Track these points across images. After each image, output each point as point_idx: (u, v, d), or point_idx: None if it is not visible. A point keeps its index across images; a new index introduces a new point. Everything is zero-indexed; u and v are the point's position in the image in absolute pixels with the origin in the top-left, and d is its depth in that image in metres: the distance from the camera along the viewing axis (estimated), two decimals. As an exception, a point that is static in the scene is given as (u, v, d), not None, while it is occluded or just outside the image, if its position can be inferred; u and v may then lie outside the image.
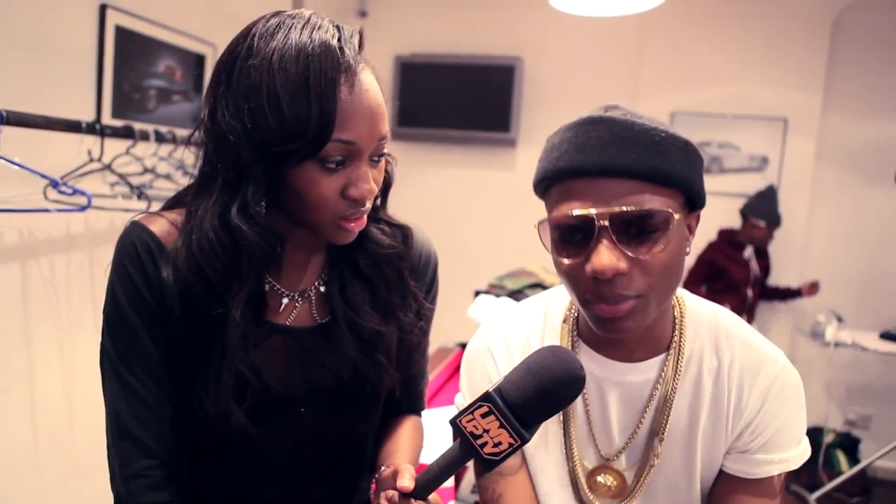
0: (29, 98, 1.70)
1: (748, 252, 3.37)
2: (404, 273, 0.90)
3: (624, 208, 0.68)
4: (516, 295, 2.21)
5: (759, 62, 3.43)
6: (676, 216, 0.70)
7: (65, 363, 1.95)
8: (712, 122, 3.49)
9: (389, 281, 0.88)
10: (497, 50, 3.72)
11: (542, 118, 3.72)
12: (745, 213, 3.33)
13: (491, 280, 2.34)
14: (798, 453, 0.80)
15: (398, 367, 0.91)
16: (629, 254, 0.69)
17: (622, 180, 0.69)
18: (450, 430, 1.46)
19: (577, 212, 0.70)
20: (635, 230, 0.69)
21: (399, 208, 0.93)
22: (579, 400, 0.83)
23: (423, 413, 1.05)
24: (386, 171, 0.84)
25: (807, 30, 3.37)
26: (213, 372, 0.77)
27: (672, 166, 0.70)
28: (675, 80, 3.53)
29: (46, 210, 1.69)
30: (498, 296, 2.21)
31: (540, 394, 0.65)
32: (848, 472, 2.99)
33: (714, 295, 3.28)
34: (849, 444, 3.37)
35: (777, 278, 3.52)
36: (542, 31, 3.66)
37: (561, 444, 0.85)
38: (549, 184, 0.75)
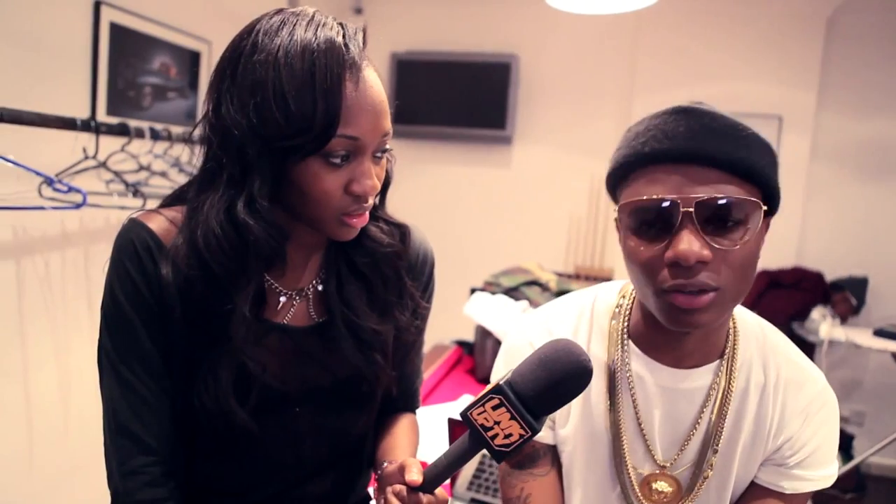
0: (23, 95, 1.70)
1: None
2: (402, 272, 0.90)
3: (712, 195, 0.67)
4: (512, 292, 2.21)
5: (753, 60, 3.44)
6: (764, 208, 0.71)
7: (60, 361, 1.95)
8: (708, 119, 3.48)
9: (387, 279, 0.88)
10: (493, 47, 3.72)
11: (539, 116, 3.72)
12: (843, 286, 3.38)
13: (487, 277, 2.34)
14: (830, 473, 0.81)
15: (394, 365, 0.91)
16: (712, 244, 0.68)
17: (709, 169, 0.68)
18: (445, 428, 1.46)
19: (661, 196, 0.69)
20: (718, 220, 0.68)
21: (395, 205, 0.93)
22: (628, 404, 0.82)
23: (419, 411, 1.06)
24: (386, 169, 0.85)
25: (801, 28, 3.38)
26: (215, 368, 0.77)
27: (757, 163, 0.70)
28: (670, 77, 3.53)
29: (41, 208, 1.69)
30: (494, 293, 2.21)
31: (550, 385, 0.66)
32: (842, 468, 3.01)
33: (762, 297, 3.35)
34: (843, 441, 3.39)
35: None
36: (539, 29, 3.66)
37: (610, 451, 0.83)
38: (628, 171, 0.74)
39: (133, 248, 0.77)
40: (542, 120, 3.72)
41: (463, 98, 3.73)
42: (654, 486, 0.83)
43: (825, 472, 0.80)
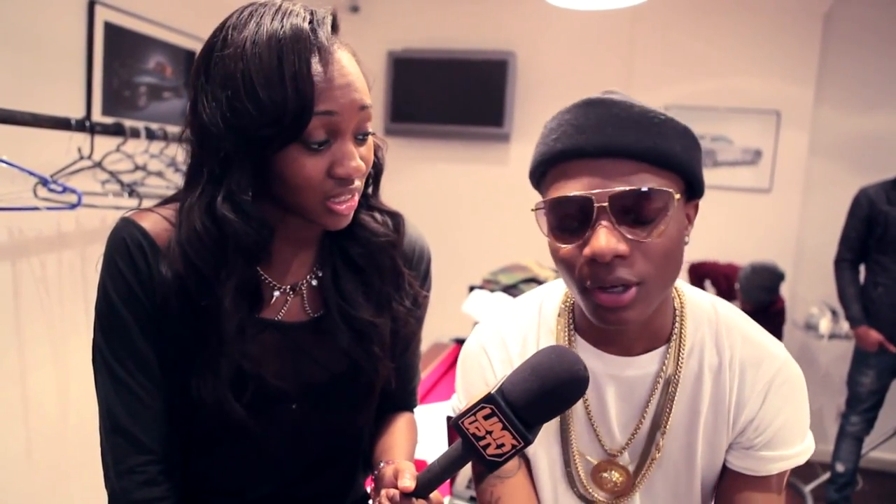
0: (18, 95, 1.69)
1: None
2: (397, 261, 0.89)
3: (623, 188, 0.66)
4: (511, 290, 2.21)
5: (751, 55, 3.43)
6: (677, 196, 0.69)
7: (57, 362, 1.94)
8: (705, 115, 3.49)
9: (382, 269, 0.87)
10: (490, 44, 3.71)
11: (536, 112, 3.71)
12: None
13: (485, 275, 2.33)
14: (803, 449, 0.79)
15: (393, 359, 0.90)
16: (629, 236, 0.67)
17: (621, 160, 0.67)
18: (444, 425, 1.46)
19: (574, 193, 0.68)
20: (635, 212, 0.68)
21: (393, 204, 0.93)
22: None
23: (418, 409, 1.05)
24: (377, 156, 0.84)
25: (799, 22, 3.38)
26: (212, 364, 0.77)
27: (671, 149, 0.69)
28: (667, 73, 3.53)
29: (36, 208, 1.68)
30: (492, 291, 2.20)
31: (543, 395, 0.65)
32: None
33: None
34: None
35: (770, 271, 3.53)
36: (535, 26, 3.65)
37: (559, 440, 0.84)
38: (546, 168, 0.73)
39: (125, 246, 0.77)
40: (539, 117, 3.67)
41: (460, 96, 3.72)
42: (605, 475, 0.83)
43: (796, 449, 0.78)
